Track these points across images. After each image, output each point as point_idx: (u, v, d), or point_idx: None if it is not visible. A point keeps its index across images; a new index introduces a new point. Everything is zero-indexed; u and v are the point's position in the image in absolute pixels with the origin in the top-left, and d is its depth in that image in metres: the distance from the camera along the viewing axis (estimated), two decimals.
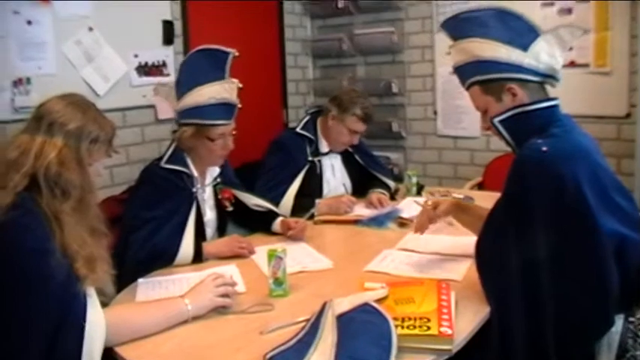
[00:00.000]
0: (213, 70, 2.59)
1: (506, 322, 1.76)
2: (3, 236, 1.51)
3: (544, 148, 1.71)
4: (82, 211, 1.66)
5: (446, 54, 2.11)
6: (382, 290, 1.86)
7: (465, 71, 1.97)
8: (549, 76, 1.88)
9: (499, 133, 1.92)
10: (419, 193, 3.41)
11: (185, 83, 2.60)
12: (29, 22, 3.24)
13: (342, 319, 1.67)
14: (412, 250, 2.45)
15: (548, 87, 1.92)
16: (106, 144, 1.77)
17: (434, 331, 1.61)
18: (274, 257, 2.03)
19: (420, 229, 2.32)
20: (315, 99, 5.35)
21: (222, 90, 2.57)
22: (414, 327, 1.63)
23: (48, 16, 3.32)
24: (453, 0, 4.35)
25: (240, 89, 2.63)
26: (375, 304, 1.74)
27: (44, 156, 1.60)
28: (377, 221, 2.88)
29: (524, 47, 1.85)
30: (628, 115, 3.78)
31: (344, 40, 5.03)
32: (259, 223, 2.87)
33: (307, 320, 1.72)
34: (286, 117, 5.15)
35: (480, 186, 4.26)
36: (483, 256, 1.90)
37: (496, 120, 1.89)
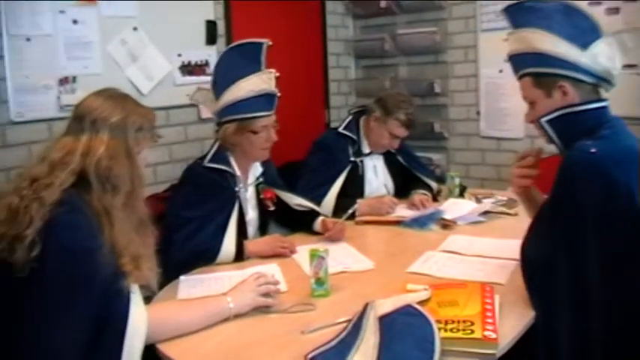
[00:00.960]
0: (249, 64, 2.59)
1: (552, 328, 1.72)
2: (49, 233, 1.51)
3: (593, 150, 1.67)
4: (131, 205, 1.68)
5: (503, 40, 2.06)
6: (425, 292, 1.84)
7: (520, 61, 1.92)
8: (604, 80, 1.83)
9: (545, 133, 1.89)
10: (461, 194, 3.37)
11: (222, 82, 2.60)
12: (75, 22, 3.29)
13: (384, 321, 1.66)
14: (455, 252, 2.41)
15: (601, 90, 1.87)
16: (150, 130, 1.79)
17: (478, 334, 1.59)
18: (316, 257, 2.02)
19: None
20: (356, 99, 5.31)
21: (260, 81, 2.57)
22: (458, 330, 1.61)
23: (93, 16, 3.36)
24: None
25: (278, 78, 2.62)
26: (418, 306, 1.72)
27: (93, 152, 1.62)
28: (419, 222, 2.85)
29: (584, 46, 1.80)
30: None
31: (386, 40, 4.97)
32: (301, 222, 2.87)
33: (349, 321, 1.71)
34: (328, 117, 5.13)
35: None
36: (529, 259, 1.87)
37: (544, 120, 1.86)
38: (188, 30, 3.90)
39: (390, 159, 3.43)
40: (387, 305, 1.73)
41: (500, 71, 4.35)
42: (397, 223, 2.93)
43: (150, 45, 3.65)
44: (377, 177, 3.38)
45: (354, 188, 3.21)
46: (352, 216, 2.93)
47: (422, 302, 1.78)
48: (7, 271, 1.48)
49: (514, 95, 4.11)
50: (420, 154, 3.86)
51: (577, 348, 1.67)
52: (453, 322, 1.65)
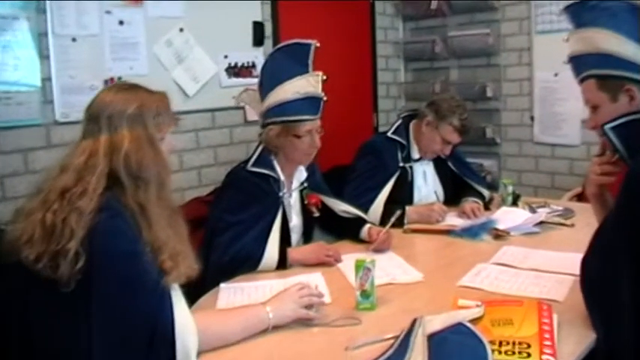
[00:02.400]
0: (295, 65, 2.53)
1: (615, 352, 1.59)
2: (93, 242, 1.45)
3: None
4: (163, 198, 1.62)
5: (564, 40, 1.94)
6: (478, 309, 1.73)
7: (583, 62, 1.80)
8: None
9: (609, 141, 1.76)
10: (515, 203, 3.24)
11: (268, 83, 2.55)
12: (121, 22, 3.30)
13: (434, 340, 1.56)
14: (509, 265, 2.30)
15: None
16: (168, 113, 1.70)
17: (535, 358, 1.48)
18: (362, 268, 1.93)
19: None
20: (406, 103, 5.26)
21: (307, 84, 2.50)
22: (513, 352, 1.51)
23: (139, 17, 3.38)
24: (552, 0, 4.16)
25: (325, 81, 2.54)
26: (470, 325, 1.61)
27: (117, 150, 1.55)
28: (470, 232, 2.74)
29: None
30: None
31: (437, 42, 4.92)
32: (347, 229, 2.78)
33: (396, 337, 1.62)
34: (376, 120, 5.08)
35: (580, 197, 4.02)
36: (590, 277, 1.73)
37: (608, 126, 1.73)
38: (235, 31, 3.88)
39: (440, 165, 3.32)
40: (436, 322, 1.63)
41: (556, 75, 4.25)
42: (447, 232, 2.82)
43: (196, 46, 3.64)
44: (426, 183, 3.28)
45: (403, 195, 3.12)
46: (401, 224, 2.85)
47: (474, 320, 1.67)
48: (52, 288, 1.43)
49: (570, 100, 4.15)
50: (470, 159, 3.74)
51: None
52: (508, 343, 1.55)
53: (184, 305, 1.60)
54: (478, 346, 1.51)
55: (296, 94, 2.47)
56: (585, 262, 1.76)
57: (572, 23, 1.88)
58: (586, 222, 2.59)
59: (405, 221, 2.92)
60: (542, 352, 1.49)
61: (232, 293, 2.15)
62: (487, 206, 3.23)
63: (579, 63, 1.84)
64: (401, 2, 5.12)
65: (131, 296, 1.48)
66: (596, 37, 1.75)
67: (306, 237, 2.78)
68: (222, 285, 2.22)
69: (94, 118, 1.60)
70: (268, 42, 4.07)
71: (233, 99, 3.86)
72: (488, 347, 1.50)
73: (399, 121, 3.26)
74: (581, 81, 1.84)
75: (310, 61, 2.55)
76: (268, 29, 4.08)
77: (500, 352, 1.51)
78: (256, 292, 2.12)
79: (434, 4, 4.88)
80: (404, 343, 1.56)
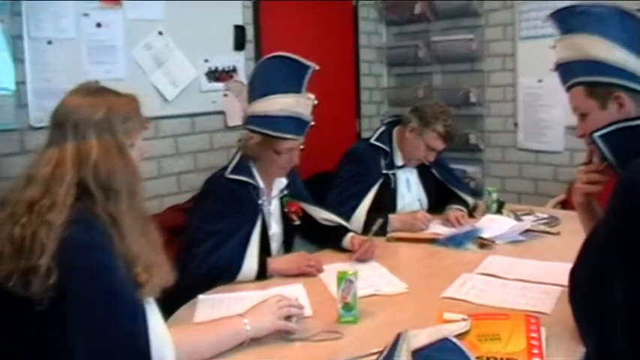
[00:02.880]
0: (290, 81, 2.47)
1: None
2: (65, 257, 1.37)
3: None
4: (135, 207, 1.54)
5: (550, 47, 1.90)
6: (464, 323, 1.68)
7: (571, 69, 1.75)
8: None
9: (598, 150, 1.71)
10: (499, 210, 3.19)
11: (259, 88, 2.49)
12: (99, 25, 3.22)
13: (419, 356, 1.50)
14: (494, 275, 2.25)
15: None
16: (138, 117, 1.62)
17: None
18: (344, 280, 1.87)
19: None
20: (389, 108, 5.23)
21: (296, 104, 2.45)
22: None
23: (118, 19, 3.30)
24: (538, 3, 4.13)
25: (315, 106, 2.52)
26: (457, 341, 1.55)
27: (86, 160, 1.47)
28: (455, 241, 2.68)
29: None
30: None
31: (420, 48, 4.89)
32: (328, 238, 2.72)
33: (380, 352, 1.56)
34: (359, 126, 5.04)
35: (564, 204, 4.00)
36: (579, 290, 1.68)
37: (597, 135, 1.68)
38: (215, 35, 3.82)
39: (423, 172, 3.27)
40: (421, 337, 1.57)
41: (540, 81, 4.24)
42: (431, 240, 2.77)
43: (176, 50, 3.57)
44: (410, 191, 3.23)
45: (386, 203, 3.06)
46: (384, 232, 2.81)
47: (460, 335, 1.62)
48: (25, 307, 1.36)
49: (554, 106, 4.12)
50: (453, 166, 3.70)
51: None
52: (496, 359, 1.50)
53: (160, 318, 1.54)
54: None
55: (283, 110, 2.42)
56: (575, 273, 1.71)
57: (558, 29, 1.83)
58: (571, 230, 2.56)
59: (388, 229, 2.87)
60: None
61: (210, 305, 2.08)
62: (471, 214, 3.18)
63: (567, 70, 1.79)
64: (384, 7, 5.08)
65: (106, 311, 1.41)
66: (584, 43, 1.71)
67: (287, 246, 2.72)
68: (201, 297, 2.15)
69: (60, 124, 1.52)
70: (250, 46, 4.01)
71: (213, 103, 3.79)
72: None
73: (383, 128, 3.21)
74: (569, 88, 1.79)
75: (305, 82, 2.50)
76: (250, 33, 4.02)
77: None
78: (235, 304, 2.05)
79: (418, 9, 4.85)
80: (387, 359, 1.50)
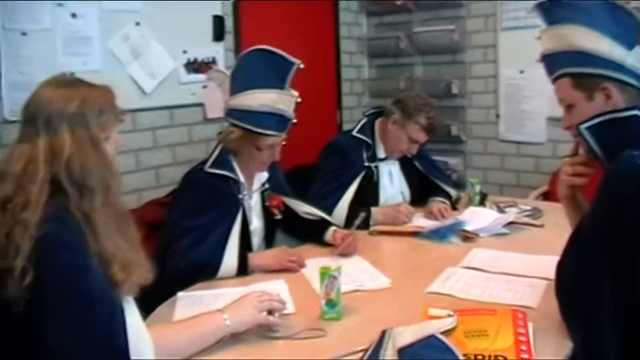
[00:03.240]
0: (274, 77, 2.43)
1: (596, 356, 1.52)
2: (40, 256, 1.32)
3: None
4: (110, 203, 1.48)
5: (535, 38, 1.87)
6: (450, 319, 1.65)
7: (557, 60, 1.72)
8: None
9: (585, 141, 1.68)
10: (482, 202, 3.17)
11: (241, 81, 2.44)
12: (74, 16, 3.16)
13: (405, 354, 1.46)
14: (479, 269, 2.22)
15: None
16: (113, 110, 1.55)
17: None
18: (327, 276, 1.83)
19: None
20: (370, 100, 5.20)
21: (279, 100, 2.40)
22: None
23: (93, 10, 3.24)
24: None
25: (298, 104, 2.47)
26: (443, 338, 1.52)
27: (58, 155, 1.41)
28: (438, 234, 2.65)
29: (630, 46, 1.61)
30: None
31: (401, 39, 4.86)
32: (310, 232, 2.68)
33: (364, 350, 1.53)
34: (340, 118, 5.01)
35: (546, 196, 3.99)
36: (566, 284, 1.65)
37: (584, 126, 1.65)
38: (194, 26, 3.77)
39: (406, 164, 3.24)
40: (407, 335, 1.54)
41: (522, 72, 4.25)
42: (415, 234, 2.74)
43: (153, 41, 3.52)
44: (392, 184, 3.20)
45: (368, 196, 3.02)
46: (367, 226, 2.77)
47: (447, 331, 1.58)
48: (1, 308, 1.31)
49: (536, 97, 4.11)
50: (435, 157, 3.67)
51: None
52: (484, 357, 1.47)
53: (138, 317, 1.49)
54: None
55: (265, 106, 2.37)
56: (561, 267, 1.69)
57: (544, 20, 1.80)
58: (555, 222, 2.56)
59: (371, 223, 2.83)
60: None
61: (190, 303, 2.04)
62: (454, 206, 3.16)
63: (553, 61, 1.76)
64: None
65: (82, 311, 1.36)
66: (571, 33, 1.68)
67: (268, 241, 2.68)
68: (180, 294, 2.11)
69: (31, 118, 1.45)
70: (229, 37, 3.96)
71: (192, 95, 3.74)
72: None
73: (364, 120, 3.17)
74: (555, 80, 1.76)
75: (289, 79, 2.46)
76: (229, 24, 3.97)
77: None
78: (216, 301, 1.99)
79: (399, 1, 4.80)
80: (373, 357, 1.47)
